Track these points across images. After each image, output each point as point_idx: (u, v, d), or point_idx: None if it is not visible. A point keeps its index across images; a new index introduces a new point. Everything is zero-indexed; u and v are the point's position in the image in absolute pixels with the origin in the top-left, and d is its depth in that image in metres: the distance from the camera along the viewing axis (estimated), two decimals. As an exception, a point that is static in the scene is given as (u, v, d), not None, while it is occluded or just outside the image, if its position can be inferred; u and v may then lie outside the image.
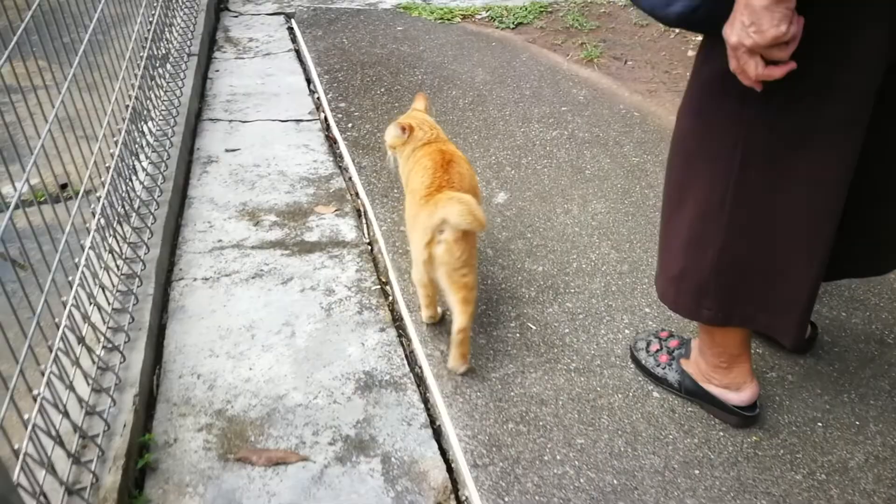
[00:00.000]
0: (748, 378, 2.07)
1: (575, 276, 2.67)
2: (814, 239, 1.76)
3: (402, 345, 2.40)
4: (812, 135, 1.65)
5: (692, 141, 1.85)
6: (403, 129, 2.46)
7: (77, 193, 2.27)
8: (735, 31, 1.48)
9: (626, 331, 2.43)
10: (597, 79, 4.11)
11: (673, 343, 2.29)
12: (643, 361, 2.28)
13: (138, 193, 2.79)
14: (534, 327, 2.42)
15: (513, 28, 4.69)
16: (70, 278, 2.05)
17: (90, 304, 2.15)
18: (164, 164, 3.02)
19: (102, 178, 2.47)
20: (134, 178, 2.80)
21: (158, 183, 2.90)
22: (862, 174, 1.75)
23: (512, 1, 5.06)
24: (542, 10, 4.88)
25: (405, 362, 2.32)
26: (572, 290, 2.60)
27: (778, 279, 1.83)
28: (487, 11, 4.87)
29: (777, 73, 1.51)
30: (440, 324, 2.43)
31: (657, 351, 2.29)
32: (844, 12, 1.53)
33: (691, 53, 4.33)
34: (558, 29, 4.66)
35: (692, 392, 2.16)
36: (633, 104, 3.85)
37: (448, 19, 4.77)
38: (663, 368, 2.24)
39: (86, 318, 2.12)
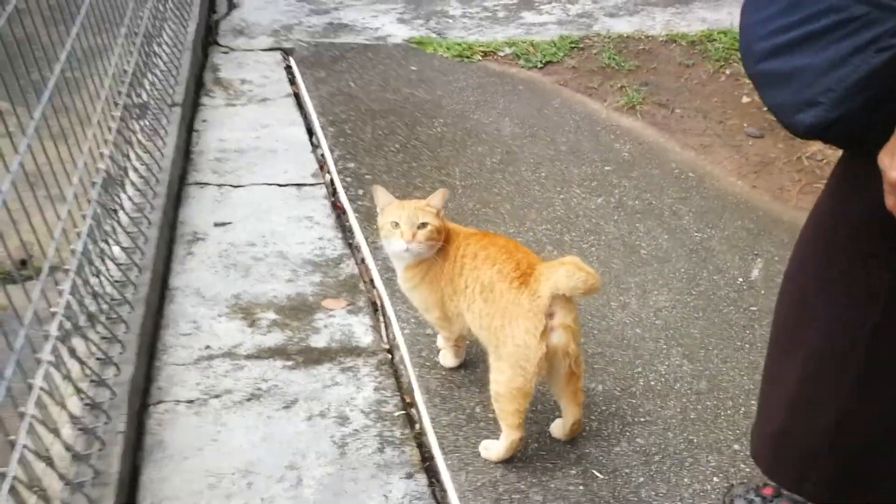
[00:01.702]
0: None
1: (643, 398, 2.27)
2: None
3: (436, 498, 2.01)
4: None
5: (819, 273, 1.56)
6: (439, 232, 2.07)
7: (39, 271, 1.92)
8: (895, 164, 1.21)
9: (715, 478, 2.04)
10: (641, 130, 3.74)
11: (766, 490, 1.92)
12: None
13: (107, 291, 2.38)
14: (601, 476, 2.03)
15: (541, 68, 4.32)
16: (21, 408, 1.67)
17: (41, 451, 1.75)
18: (140, 247, 2.62)
19: (66, 266, 2.08)
20: (103, 267, 2.40)
21: (132, 276, 2.50)
22: None
23: (538, 34, 4.68)
24: (572, 45, 4.50)
25: (441, 526, 1.92)
26: (642, 419, 2.20)
27: None
28: (511, 47, 4.49)
29: None
30: (482, 469, 2.03)
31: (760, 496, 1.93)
32: None
33: (746, 99, 3.96)
34: (593, 69, 4.28)
35: None
36: (687, 162, 3.47)
37: (467, 57, 4.39)
38: None
39: (32, 484, 1.71)
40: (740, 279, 2.76)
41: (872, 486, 1.65)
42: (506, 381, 1.90)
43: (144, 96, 3.37)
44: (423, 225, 2.04)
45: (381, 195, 2.13)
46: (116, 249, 2.53)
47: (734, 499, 1.95)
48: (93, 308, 2.25)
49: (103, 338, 2.25)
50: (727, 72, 4.20)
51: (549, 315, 1.85)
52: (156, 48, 3.73)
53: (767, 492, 1.92)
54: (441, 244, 2.07)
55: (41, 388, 1.77)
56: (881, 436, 1.60)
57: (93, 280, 2.28)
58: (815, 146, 3.56)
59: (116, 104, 2.86)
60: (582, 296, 1.85)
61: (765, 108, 3.71)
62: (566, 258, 1.89)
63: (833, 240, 1.53)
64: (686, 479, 2.03)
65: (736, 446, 2.13)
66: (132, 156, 2.97)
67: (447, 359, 2.34)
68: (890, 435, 1.59)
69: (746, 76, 1.45)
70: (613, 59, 4.33)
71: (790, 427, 1.69)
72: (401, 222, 2.04)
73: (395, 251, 2.10)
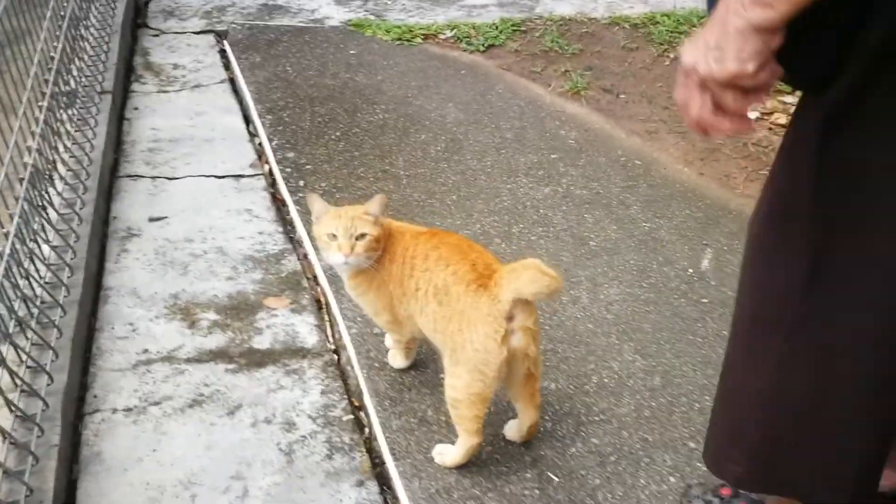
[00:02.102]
0: None
1: (597, 395, 2.26)
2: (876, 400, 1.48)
3: (389, 507, 1.95)
4: None
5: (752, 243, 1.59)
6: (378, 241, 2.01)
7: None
8: (693, 51, 1.21)
9: (672, 478, 2.03)
10: (586, 116, 3.71)
11: (725, 491, 1.90)
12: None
13: (38, 294, 2.28)
14: (556, 479, 2.01)
15: (483, 51, 4.27)
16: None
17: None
18: (71, 245, 2.51)
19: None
20: (33, 268, 2.29)
21: (63, 277, 2.39)
22: None
23: (479, 17, 4.62)
24: (514, 28, 4.46)
25: (395, 536, 1.87)
26: (597, 419, 2.18)
27: (829, 440, 1.54)
28: (452, 30, 4.43)
29: (723, 126, 1.24)
30: (436, 475, 1.99)
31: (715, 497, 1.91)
32: None
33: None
34: (536, 52, 4.25)
35: None
36: (633, 150, 3.46)
37: (408, 40, 4.32)
38: None
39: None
40: (690, 270, 2.76)
41: (794, 472, 1.61)
42: (464, 387, 1.86)
43: (72, 83, 3.24)
44: (362, 236, 1.96)
45: (316, 203, 2.05)
46: (46, 249, 2.41)
47: (692, 500, 1.94)
48: (22, 313, 2.15)
49: (34, 344, 2.15)
50: (671, 55, 4.20)
51: (509, 318, 1.80)
52: (83, 31, 3.58)
53: (726, 492, 1.91)
54: (380, 252, 2.01)
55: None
56: (802, 419, 1.55)
57: (21, 283, 2.17)
58: (761, 133, 3.59)
59: (43, 93, 2.73)
60: (544, 299, 1.81)
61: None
62: (528, 261, 1.83)
63: (766, 208, 1.52)
64: (642, 480, 2.02)
65: (691, 444, 2.12)
66: (60, 148, 2.84)
67: (397, 360, 2.29)
68: (812, 420, 1.55)
69: None
70: (556, 42, 4.30)
71: (719, 407, 1.71)
72: (338, 234, 1.96)
73: (334, 264, 2.04)
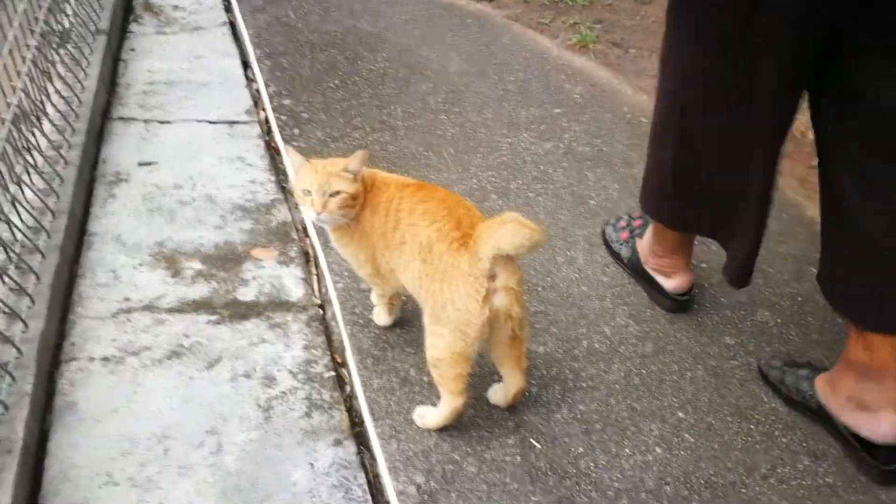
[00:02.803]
0: (682, 269, 2.35)
1: (586, 360, 2.19)
2: (756, 153, 1.93)
3: (365, 467, 1.91)
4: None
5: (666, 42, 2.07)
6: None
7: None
8: None
9: (658, 449, 1.97)
10: (593, 71, 3.61)
11: (637, 223, 2.54)
12: (607, 235, 2.59)
13: (17, 238, 2.22)
14: (539, 445, 1.95)
15: (490, 0, 4.14)
16: None
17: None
18: (55, 189, 2.44)
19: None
20: (13, 213, 2.22)
21: (45, 222, 2.33)
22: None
23: (489, -35, 4.49)
24: (524, -23, 4.33)
25: (369, 498, 1.82)
26: (584, 385, 2.13)
27: (728, 193, 2.04)
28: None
29: None
30: (415, 437, 1.94)
31: (623, 227, 2.56)
32: None
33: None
34: (544, 3, 4.13)
35: (635, 269, 2.45)
36: (639, 106, 3.36)
37: (416, -12, 4.20)
38: (620, 244, 2.53)
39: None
40: (691, 233, 2.67)
41: (705, 225, 2.21)
42: (446, 346, 1.79)
43: (66, 23, 3.15)
44: (336, 193, 1.89)
45: (294, 157, 1.97)
46: (29, 193, 2.35)
47: (615, 217, 2.57)
48: (0, 258, 2.09)
49: (10, 289, 2.09)
50: (684, 11, 4.05)
51: (492, 277, 1.73)
52: (78, -31, 3.48)
53: (636, 214, 2.55)
54: (357, 210, 1.93)
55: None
56: (700, 180, 2.09)
57: (1, 227, 2.11)
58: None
59: (32, 31, 2.65)
60: (526, 253, 1.73)
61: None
62: (506, 214, 1.74)
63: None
64: (627, 450, 1.96)
65: (681, 414, 2.06)
66: (50, 89, 2.76)
67: (381, 316, 2.23)
68: (707, 181, 2.08)
69: None
70: (567, -8, 4.17)
71: (650, 166, 2.26)
72: (312, 190, 1.89)
73: (307, 220, 1.97)
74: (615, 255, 2.53)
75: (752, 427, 2.06)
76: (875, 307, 1.85)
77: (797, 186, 2.94)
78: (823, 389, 2.00)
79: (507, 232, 1.70)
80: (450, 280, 1.76)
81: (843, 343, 1.98)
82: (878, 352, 1.85)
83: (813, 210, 2.78)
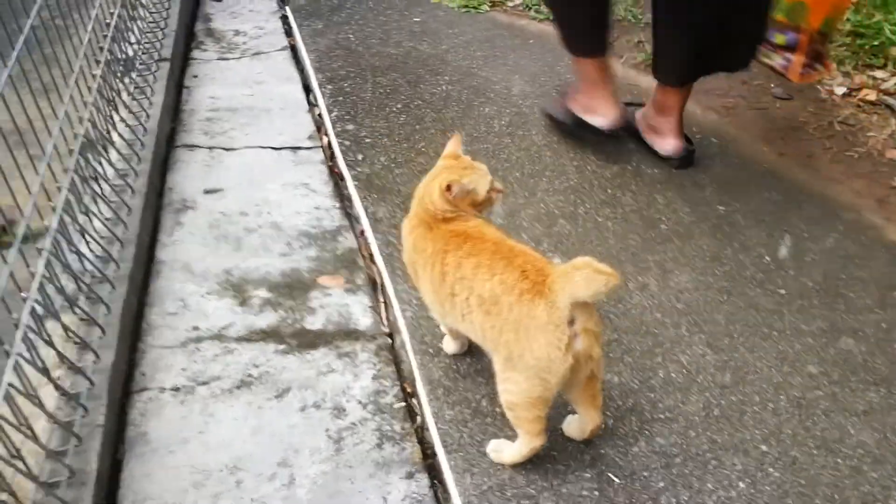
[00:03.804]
0: (608, 106, 2.94)
1: (663, 391, 2.15)
2: None
3: (438, 500, 1.90)
4: None
5: None
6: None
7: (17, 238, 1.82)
8: None
9: (741, 484, 1.92)
10: (660, 90, 3.55)
11: (570, 90, 3.15)
12: (547, 108, 3.20)
13: (87, 269, 2.25)
14: (617, 480, 1.91)
15: (552, 20, 4.12)
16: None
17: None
18: (123, 219, 2.48)
19: (38, 245, 1.95)
20: (83, 243, 2.26)
21: (114, 251, 2.36)
22: None
23: (549, -16, 4.47)
24: (586, -4, 4.30)
25: (445, 533, 1.81)
26: (662, 416, 2.08)
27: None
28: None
29: None
30: (489, 470, 1.92)
31: (555, 98, 3.24)
32: None
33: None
34: (608, 22, 4.09)
35: (573, 121, 3.02)
36: (708, 127, 3.31)
37: (474, 7, 4.21)
38: (558, 111, 3.13)
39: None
40: (767, 258, 2.62)
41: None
42: (522, 392, 1.77)
43: (130, 51, 3.21)
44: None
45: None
46: (97, 223, 2.39)
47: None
48: (70, 288, 2.13)
49: (81, 320, 2.12)
50: (752, 27, 4.00)
51: (570, 322, 1.71)
52: (140, -1, 3.56)
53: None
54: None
55: (9, 385, 1.65)
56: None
57: (70, 257, 2.15)
58: (847, 110, 3.40)
59: (98, 61, 2.70)
60: (603, 299, 1.70)
61: (793, 68, 3.56)
62: (578, 261, 1.70)
63: None
64: (710, 485, 1.92)
65: (763, 447, 2.01)
66: (115, 117, 2.81)
67: (449, 345, 2.22)
68: None
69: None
70: (630, 11, 4.15)
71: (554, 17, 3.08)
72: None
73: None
74: (552, 118, 3.17)
75: (839, 461, 2.00)
76: (666, 67, 2.94)
77: (876, 207, 2.87)
78: (639, 121, 3.10)
79: (581, 280, 1.67)
80: (525, 330, 1.73)
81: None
82: (666, 97, 2.93)
83: (894, 233, 2.71)
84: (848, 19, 3.84)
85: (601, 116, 2.93)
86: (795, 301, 2.45)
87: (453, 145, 2.07)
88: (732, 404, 2.13)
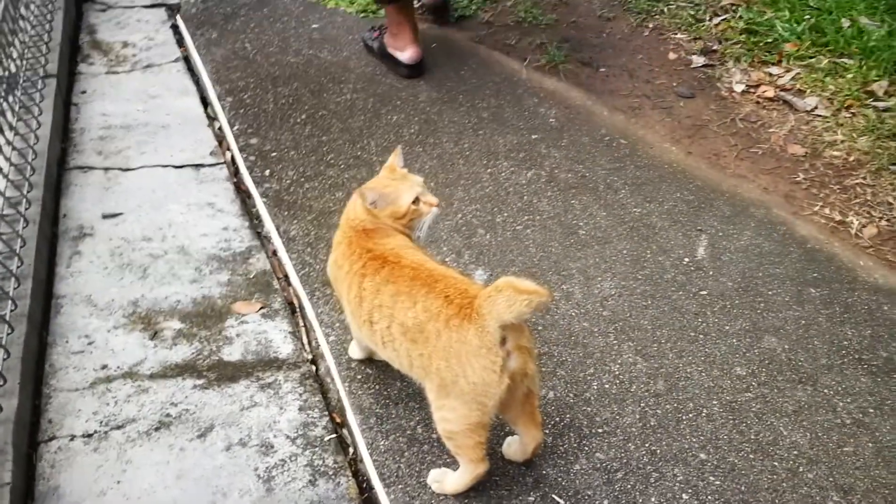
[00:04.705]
0: (411, 43, 3.44)
1: (598, 404, 2.12)
2: None
3: (381, 539, 1.80)
4: None
5: None
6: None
7: None
8: None
9: (684, 495, 1.90)
10: (565, 92, 3.55)
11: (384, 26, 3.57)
12: (364, 38, 3.68)
13: (-19, 310, 2.08)
14: (562, 501, 1.88)
15: (453, 23, 4.06)
16: None
17: None
18: (17, 254, 2.30)
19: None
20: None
21: (10, 287, 2.19)
22: None
23: (447, -14, 4.40)
24: (485, -2, 4.26)
25: (390, 573, 1.72)
26: (600, 430, 2.05)
27: None
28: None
29: None
30: (431, 501, 1.85)
31: (374, 30, 3.65)
32: None
33: (672, 56, 3.81)
34: (508, 24, 4.06)
35: (381, 53, 3.57)
36: (616, 128, 3.30)
37: (373, 12, 4.10)
38: (373, 41, 3.61)
39: None
40: (686, 259, 2.62)
41: None
42: (460, 419, 1.70)
43: (12, 67, 3.00)
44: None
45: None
46: (-12, 256, 2.21)
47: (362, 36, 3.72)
48: (-36, 334, 1.95)
49: (-22, 367, 1.95)
50: (650, 25, 4.03)
51: (501, 342, 1.65)
52: (22, 9, 3.33)
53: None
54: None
55: None
56: None
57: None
58: (747, 107, 3.45)
59: (-21, 81, 2.50)
60: (531, 316, 1.64)
61: (693, 66, 3.58)
62: (500, 282, 1.63)
63: None
64: (653, 499, 1.89)
65: (702, 455, 1.99)
66: (0, 140, 2.61)
67: (355, 351, 2.17)
68: None
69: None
70: (530, 12, 4.12)
71: None
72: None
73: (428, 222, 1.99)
74: (370, 50, 3.65)
75: (775, 464, 2.00)
76: None
77: (784, 203, 2.91)
78: (384, 42, 3.55)
79: (503, 302, 1.61)
80: (457, 356, 1.67)
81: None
82: (395, 15, 3.39)
83: (803, 228, 2.75)
84: (741, 17, 3.89)
85: (405, 52, 3.45)
86: (717, 302, 2.45)
87: (392, 159, 2.00)
88: (668, 413, 2.11)
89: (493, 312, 1.62)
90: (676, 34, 3.95)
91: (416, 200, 1.89)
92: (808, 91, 3.44)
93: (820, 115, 3.34)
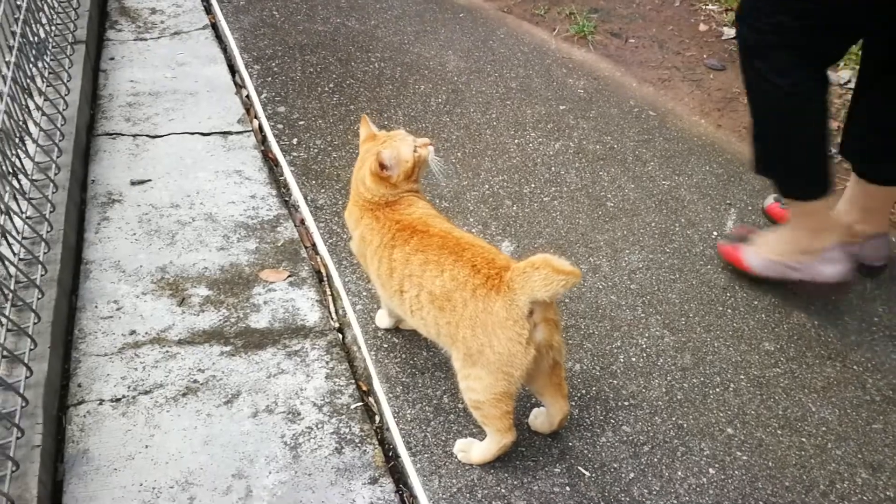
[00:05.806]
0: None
1: (625, 377, 2.09)
2: None
3: (406, 507, 1.79)
4: None
5: None
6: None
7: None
8: None
9: (711, 470, 1.88)
10: (594, 63, 3.50)
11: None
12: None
13: (12, 274, 2.07)
14: (587, 473, 1.85)
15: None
16: None
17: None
18: (47, 217, 2.30)
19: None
20: (4, 243, 2.08)
21: (39, 252, 2.19)
22: None
23: (476, -46, 4.35)
24: (514, -33, 4.20)
25: (415, 541, 1.72)
26: (626, 403, 2.02)
27: None
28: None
29: None
30: (457, 471, 1.84)
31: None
32: None
33: (703, 27, 3.74)
34: (537, -7, 4.00)
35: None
36: (646, 99, 3.25)
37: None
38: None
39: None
40: (715, 233, 2.58)
41: None
42: (486, 388, 1.69)
43: (42, 33, 2.98)
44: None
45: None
46: (19, 222, 2.20)
47: None
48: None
49: (9, 331, 1.95)
50: (680, -3, 3.96)
51: (528, 314, 1.63)
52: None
53: None
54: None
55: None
56: None
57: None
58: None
59: (10, 46, 2.49)
60: (564, 291, 1.62)
61: (724, 38, 3.52)
62: (537, 259, 1.61)
63: None
64: (680, 472, 1.87)
65: (729, 430, 1.97)
66: (31, 106, 2.61)
67: (383, 319, 2.14)
68: None
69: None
70: (558, -21, 4.05)
71: None
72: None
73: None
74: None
75: (803, 440, 1.97)
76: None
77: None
78: None
79: (540, 280, 1.59)
80: (484, 325, 1.65)
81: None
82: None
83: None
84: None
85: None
86: (746, 276, 2.41)
87: (365, 128, 2.01)
88: (694, 387, 2.08)
89: (525, 288, 1.60)
90: (707, 5, 3.88)
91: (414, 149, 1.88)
92: (842, 65, 3.37)
93: (853, 89, 3.26)
